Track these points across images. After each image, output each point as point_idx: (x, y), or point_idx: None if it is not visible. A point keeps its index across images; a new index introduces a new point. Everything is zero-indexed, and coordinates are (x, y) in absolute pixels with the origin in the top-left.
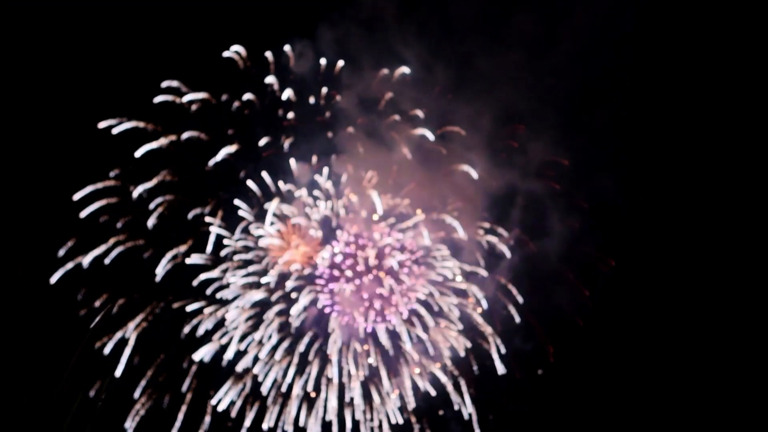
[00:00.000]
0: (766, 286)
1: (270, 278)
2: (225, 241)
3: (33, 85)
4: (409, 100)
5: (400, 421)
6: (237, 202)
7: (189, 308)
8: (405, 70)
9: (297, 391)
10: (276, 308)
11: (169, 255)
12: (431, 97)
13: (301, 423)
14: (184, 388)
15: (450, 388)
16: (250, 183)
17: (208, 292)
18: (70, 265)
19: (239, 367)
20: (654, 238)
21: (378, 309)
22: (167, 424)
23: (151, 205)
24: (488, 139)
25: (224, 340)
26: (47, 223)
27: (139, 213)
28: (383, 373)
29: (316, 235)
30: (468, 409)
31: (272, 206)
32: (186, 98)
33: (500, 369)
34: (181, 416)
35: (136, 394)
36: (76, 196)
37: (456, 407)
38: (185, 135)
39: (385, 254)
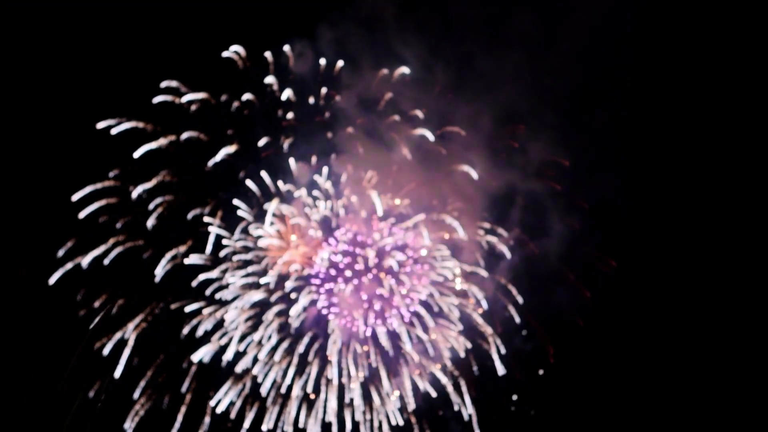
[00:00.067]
0: (766, 286)
1: (269, 279)
2: (224, 242)
3: (32, 86)
4: (409, 100)
5: (401, 423)
6: (236, 202)
7: (188, 309)
8: (405, 70)
9: (296, 392)
10: (275, 309)
11: (168, 255)
12: (431, 97)
13: (301, 424)
14: (184, 388)
15: (450, 388)
16: (249, 183)
17: (208, 292)
18: (69, 266)
19: (239, 368)
20: (655, 239)
21: (378, 309)
22: (167, 425)
23: (151, 206)
24: (488, 139)
25: (224, 341)
26: (47, 224)
27: (138, 213)
28: (383, 373)
29: (315, 235)
30: (468, 410)
31: (272, 207)
32: (185, 98)
33: (500, 370)
34: (180, 417)
35: (136, 395)
36: (76, 197)
37: (456, 408)
38: (185, 135)
39: (385, 254)
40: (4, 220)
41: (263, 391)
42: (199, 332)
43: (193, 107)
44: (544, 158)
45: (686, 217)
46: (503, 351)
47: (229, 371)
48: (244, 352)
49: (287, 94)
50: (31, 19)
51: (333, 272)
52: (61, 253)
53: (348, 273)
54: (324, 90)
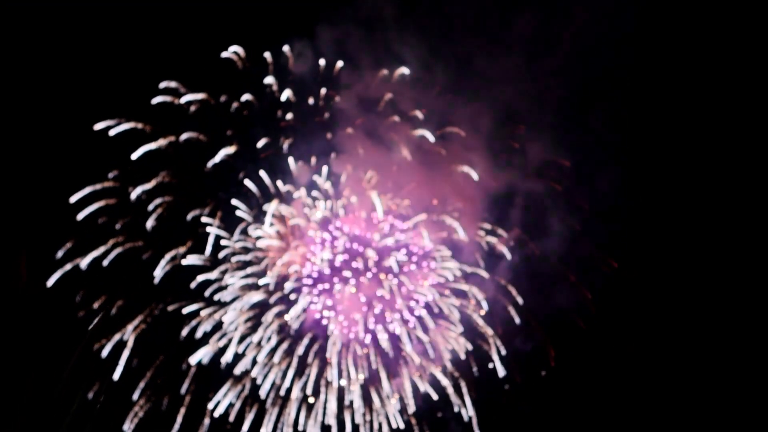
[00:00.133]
0: None
1: (269, 280)
2: (224, 243)
3: (30, 87)
4: (409, 100)
5: (401, 425)
6: (236, 203)
7: (185, 310)
8: (404, 70)
9: (296, 393)
10: (275, 310)
11: (168, 256)
12: (431, 97)
13: (301, 426)
14: (183, 390)
15: (450, 390)
16: (249, 184)
17: (207, 293)
18: (68, 266)
19: (238, 370)
20: (656, 239)
21: (378, 311)
22: (166, 427)
23: (150, 207)
24: (488, 139)
25: (223, 342)
26: (46, 225)
27: (137, 214)
28: (383, 375)
29: (315, 235)
30: (468, 412)
31: (271, 207)
32: (184, 99)
33: (501, 371)
34: (180, 418)
35: (135, 396)
36: (75, 198)
37: (456, 409)
38: (184, 136)
39: (385, 255)
40: (4, 221)
41: (262, 393)
42: (199, 334)
43: (193, 108)
44: (545, 158)
45: (687, 217)
46: (503, 352)
47: (228, 373)
48: (243, 354)
49: (287, 94)
50: (30, 19)
51: (332, 273)
52: (60, 254)
53: (348, 274)
54: (323, 90)
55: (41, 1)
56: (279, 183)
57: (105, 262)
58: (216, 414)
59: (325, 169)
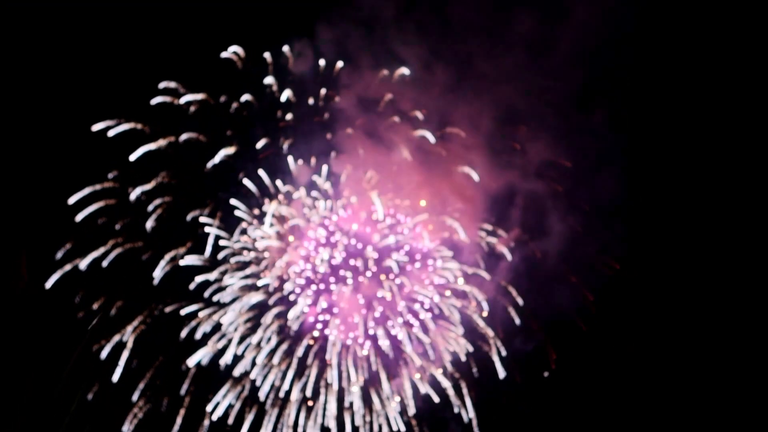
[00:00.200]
0: None
1: (268, 280)
2: (223, 243)
3: (29, 87)
4: (409, 100)
5: (401, 427)
6: (235, 203)
7: (183, 311)
8: (405, 70)
9: (295, 395)
10: (274, 311)
11: (167, 257)
12: (431, 97)
13: (300, 428)
14: (183, 391)
15: (451, 392)
16: (248, 184)
17: (206, 294)
18: (68, 267)
19: (237, 371)
20: (657, 240)
21: (378, 312)
22: (166, 428)
23: (150, 207)
24: (489, 140)
25: (222, 343)
26: (46, 226)
27: (137, 215)
28: (383, 377)
29: (315, 236)
30: (469, 413)
31: (271, 208)
32: (184, 99)
33: (501, 373)
34: (179, 420)
35: (134, 397)
36: (74, 198)
37: (456, 410)
38: (183, 136)
39: (385, 255)
40: (4, 222)
41: (261, 394)
42: (198, 335)
43: (192, 108)
44: (545, 159)
45: (689, 218)
46: (503, 353)
47: (228, 374)
48: (242, 355)
49: (287, 94)
50: (27, 20)
51: (332, 273)
52: (59, 255)
53: (348, 274)
54: (323, 91)
55: (40, 2)
56: (279, 183)
57: (104, 263)
58: (214, 416)
59: (324, 169)
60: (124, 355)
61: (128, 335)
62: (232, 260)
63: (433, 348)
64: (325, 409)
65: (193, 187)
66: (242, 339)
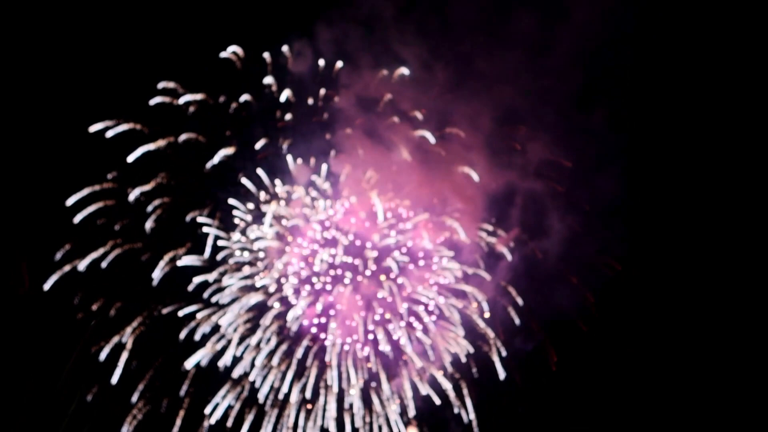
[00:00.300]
0: None
1: (267, 281)
2: (223, 244)
3: (27, 88)
4: (409, 100)
5: (401, 428)
6: (235, 203)
7: (181, 313)
8: (404, 70)
9: (295, 397)
10: (273, 312)
11: (166, 258)
12: (431, 97)
13: (300, 429)
14: (182, 392)
15: (451, 392)
16: (248, 184)
17: (205, 295)
18: (67, 268)
19: (236, 372)
20: (658, 240)
21: (377, 312)
22: (165, 429)
23: (149, 208)
24: (489, 140)
25: (221, 344)
26: (45, 228)
27: (136, 216)
28: (383, 378)
29: (314, 236)
30: (469, 414)
31: (270, 208)
32: (183, 100)
33: (501, 373)
34: (179, 421)
35: (134, 399)
36: (73, 199)
37: (456, 411)
38: (182, 137)
39: (385, 256)
40: (3, 224)
41: (261, 396)
42: (197, 336)
43: (191, 109)
44: (546, 159)
45: (690, 218)
46: (504, 353)
47: (227, 375)
48: (241, 357)
49: (286, 94)
50: (25, 20)
51: (332, 274)
52: (58, 256)
53: (347, 274)
54: (323, 91)
55: (37, 3)
56: (278, 183)
57: (103, 264)
58: (213, 418)
59: (324, 170)
60: (124, 356)
61: (127, 336)
62: (231, 261)
63: (432, 349)
64: (324, 411)
65: (193, 188)
66: (241, 340)
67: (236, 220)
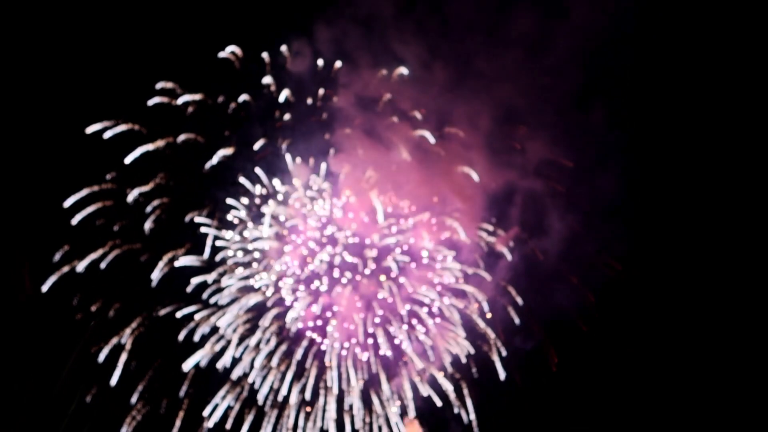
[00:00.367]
0: None
1: (266, 281)
2: (222, 244)
3: (25, 89)
4: (408, 100)
5: (402, 428)
6: (234, 204)
7: (179, 314)
8: (403, 70)
9: (294, 398)
10: (273, 312)
11: (165, 259)
12: (430, 97)
13: (300, 430)
14: (182, 393)
15: (451, 393)
16: (247, 185)
17: (204, 296)
18: (66, 269)
19: (236, 373)
20: (659, 240)
21: (377, 313)
22: (165, 430)
23: (148, 209)
24: (489, 139)
25: (221, 345)
26: (43, 228)
27: (135, 217)
28: (383, 379)
29: (313, 236)
30: (469, 414)
31: (270, 208)
32: (181, 100)
33: (501, 373)
34: (178, 422)
35: (133, 400)
36: (71, 200)
37: (456, 411)
38: (181, 137)
39: (385, 256)
40: (4, 228)
41: (260, 397)
42: (197, 337)
43: (190, 109)
44: (546, 158)
45: (692, 218)
46: (504, 354)
47: (226, 376)
48: (240, 358)
49: (285, 94)
50: (22, 20)
51: (331, 274)
52: (57, 257)
53: (347, 274)
54: (322, 90)
55: (35, 3)
56: (277, 184)
57: (102, 265)
58: (212, 420)
59: (323, 170)
60: (123, 357)
61: (126, 337)
62: (230, 261)
63: (432, 349)
64: (324, 411)
65: (191, 188)
66: (241, 341)
67: (235, 221)
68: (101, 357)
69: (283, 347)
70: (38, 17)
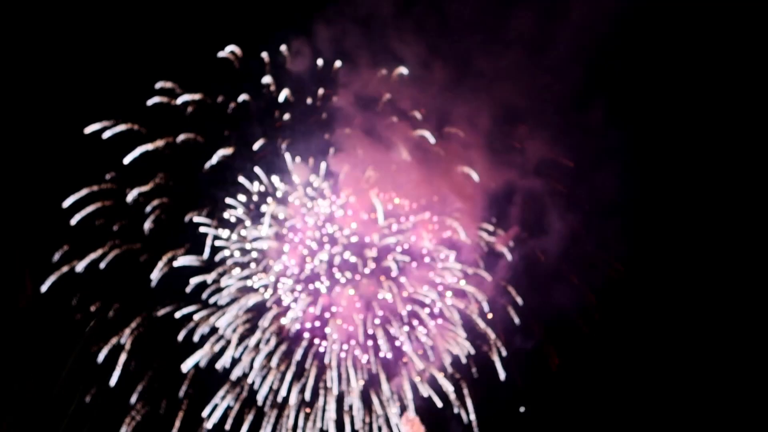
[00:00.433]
0: None
1: (266, 281)
2: (221, 244)
3: (23, 89)
4: (408, 99)
5: (402, 429)
6: (233, 204)
7: (178, 314)
8: (403, 70)
9: (294, 398)
10: (272, 312)
11: (165, 259)
12: (430, 96)
13: (299, 431)
14: (181, 394)
15: (451, 393)
16: (246, 185)
17: (204, 296)
18: (65, 269)
19: (235, 374)
20: (660, 240)
21: (377, 313)
22: (164, 431)
23: (147, 209)
24: (489, 139)
25: (220, 345)
26: (42, 229)
27: (134, 217)
28: (383, 379)
29: (313, 236)
30: (469, 414)
31: (269, 208)
32: (180, 100)
33: (501, 374)
34: (178, 423)
35: (132, 400)
36: (70, 200)
37: (456, 411)
38: (180, 137)
39: (385, 256)
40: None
41: (260, 397)
42: (196, 337)
43: (189, 109)
44: (546, 157)
45: (693, 218)
46: (504, 354)
47: (226, 377)
48: (240, 358)
49: (284, 94)
50: (21, 21)
51: (331, 274)
52: (56, 257)
53: (347, 274)
54: (321, 90)
55: (33, 3)
56: (277, 183)
57: (102, 265)
58: (211, 421)
59: (323, 169)
60: (122, 357)
61: (126, 338)
62: (230, 261)
63: (432, 349)
64: (324, 412)
65: (191, 188)
66: (240, 341)
67: (235, 221)
68: (101, 357)
69: (283, 347)
70: (38, 17)
